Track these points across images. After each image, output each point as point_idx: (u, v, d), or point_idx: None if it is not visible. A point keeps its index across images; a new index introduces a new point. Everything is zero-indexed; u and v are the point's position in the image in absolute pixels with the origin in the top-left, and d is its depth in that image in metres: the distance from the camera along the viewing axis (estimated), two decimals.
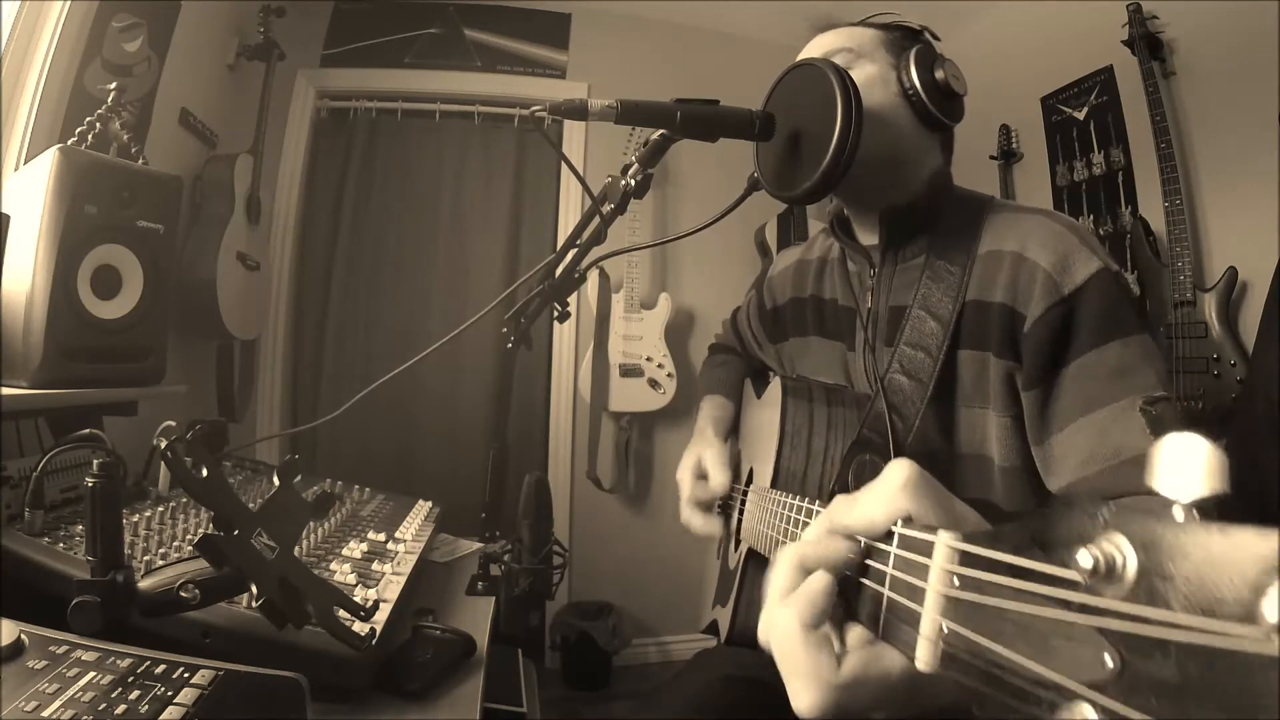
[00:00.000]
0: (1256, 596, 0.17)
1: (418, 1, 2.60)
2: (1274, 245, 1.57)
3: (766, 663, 0.39)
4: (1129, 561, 0.22)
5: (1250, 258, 1.67)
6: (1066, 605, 0.23)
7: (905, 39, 0.87)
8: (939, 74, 0.81)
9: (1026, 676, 0.25)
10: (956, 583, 0.30)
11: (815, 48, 0.87)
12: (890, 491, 0.37)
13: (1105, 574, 0.22)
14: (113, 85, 1.37)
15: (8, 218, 1.03)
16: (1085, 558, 0.22)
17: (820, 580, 0.36)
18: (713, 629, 1.01)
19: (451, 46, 2.62)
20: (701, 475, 1.02)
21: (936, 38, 0.89)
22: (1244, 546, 0.18)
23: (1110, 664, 0.21)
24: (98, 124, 1.33)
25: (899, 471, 0.38)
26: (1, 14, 1.33)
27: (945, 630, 0.30)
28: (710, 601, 1.06)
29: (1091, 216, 2.15)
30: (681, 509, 1.04)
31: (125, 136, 1.39)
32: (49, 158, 1.06)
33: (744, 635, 0.87)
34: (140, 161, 1.37)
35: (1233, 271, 1.69)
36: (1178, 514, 0.22)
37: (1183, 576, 0.20)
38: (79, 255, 1.08)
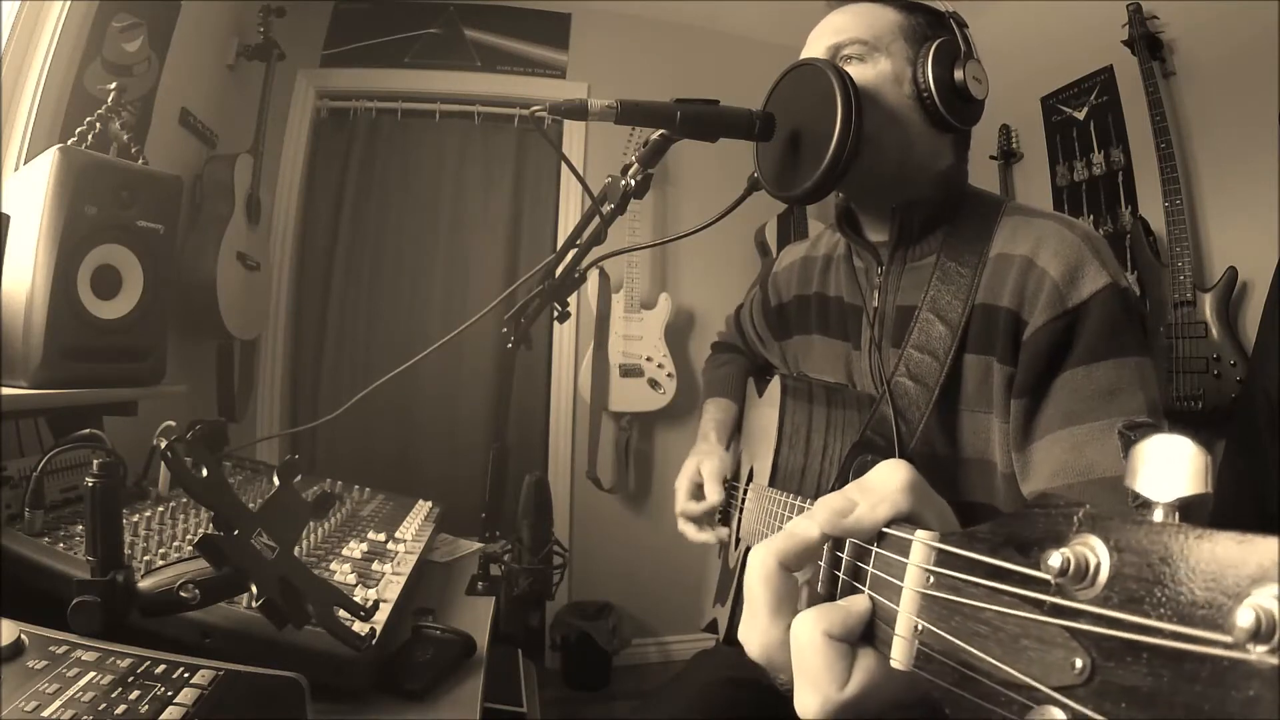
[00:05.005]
0: (1232, 604, 0.17)
1: (418, 1, 2.60)
2: (1274, 245, 1.57)
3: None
4: (1102, 564, 0.21)
5: (1250, 258, 1.67)
6: (1038, 606, 0.23)
7: (929, 26, 0.81)
8: (958, 75, 0.77)
9: (997, 678, 0.24)
10: (931, 581, 0.30)
11: (827, 30, 0.82)
12: (890, 493, 0.37)
13: (1076, 575, 0.22)
14: (113, 85, 1.37)
15: (8, 218, 1.03)
16: (1055, 558, 0.22)
17: (864, 603, 0.35)
18: (712, 627, 1.01)
19: (451, 46, 2.61)
20: (698, 486, 1.02)
21: (964, 23, 0.82)
22: (1222, 553, 0.18)
23: (1080, 666, 0.21)
24: (98, 124, 1.33)
25: (899, 473, 0.37)
26: (1, 14, 1.33)
27: (920, 629, 0.30)
28: (710, 600, 1.06)
29: (1091, 216, 2.15)
30: (677, 518, 1.04)
31: (125, 136, 1.39)
32: (49, 158, 1.05)
33: None
34: (140, 161, 1.37)
35: (1233, 271, 1.69)
36: (1157, 515, 0.21)
37: (1157, 580, 0.19)
38: (79, 255, 1.08)
